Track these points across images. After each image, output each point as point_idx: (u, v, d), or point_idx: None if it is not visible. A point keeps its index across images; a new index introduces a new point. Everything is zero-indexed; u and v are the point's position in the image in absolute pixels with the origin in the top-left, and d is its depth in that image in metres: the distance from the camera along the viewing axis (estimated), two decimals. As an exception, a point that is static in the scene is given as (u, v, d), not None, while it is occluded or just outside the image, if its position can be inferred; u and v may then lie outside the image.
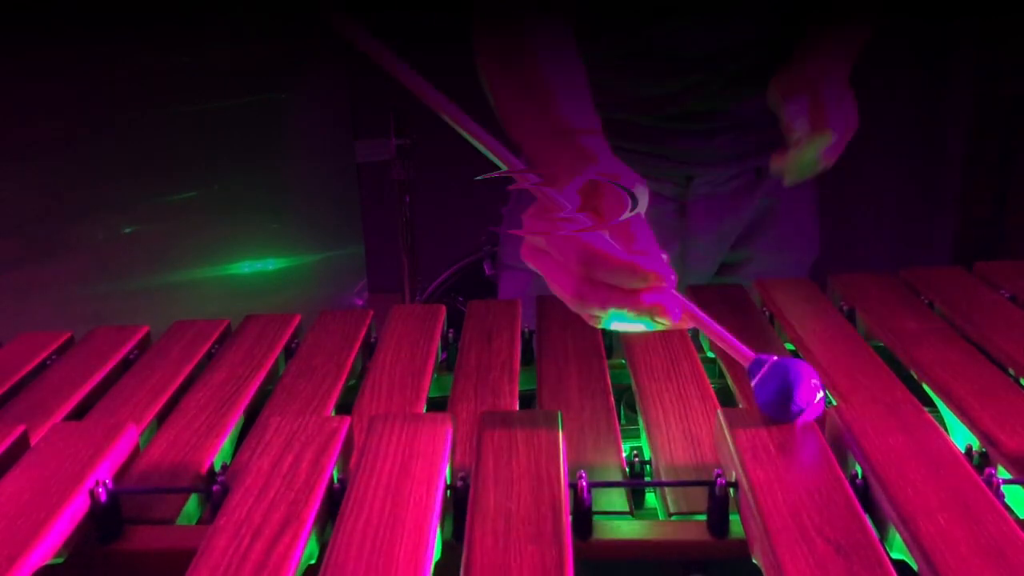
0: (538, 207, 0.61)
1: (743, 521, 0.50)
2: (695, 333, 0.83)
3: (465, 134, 0.60)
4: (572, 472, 0.52)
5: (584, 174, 0.62)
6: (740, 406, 0.68)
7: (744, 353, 0.58)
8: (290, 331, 0.84)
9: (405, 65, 0.60)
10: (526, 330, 0.83)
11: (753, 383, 0.57)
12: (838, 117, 0.90)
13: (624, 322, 0.58)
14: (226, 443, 0.64)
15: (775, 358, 0.57)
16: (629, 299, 0.56)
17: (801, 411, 0.55)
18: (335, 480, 0.53)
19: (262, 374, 0.75)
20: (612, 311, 0.57)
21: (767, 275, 0.96)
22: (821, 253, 1.25)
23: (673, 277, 0.57)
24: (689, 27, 1.01)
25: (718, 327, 0.59)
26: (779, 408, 0.55)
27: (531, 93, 0.79)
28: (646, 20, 1.02)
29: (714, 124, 1.08)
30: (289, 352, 0.82)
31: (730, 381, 0.73)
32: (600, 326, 0.60)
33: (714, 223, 1.15)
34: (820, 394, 0.56)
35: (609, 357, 0.79)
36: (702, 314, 0.59)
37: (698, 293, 0.90)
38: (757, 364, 0.57)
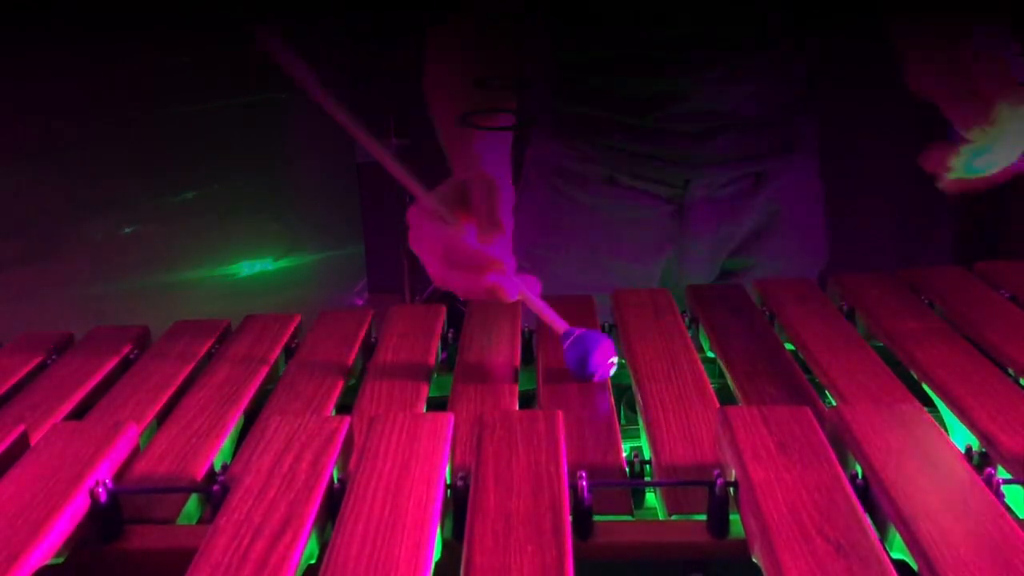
0: (419, 206, 0.75)
1: (743, 521, 0.50)
2: (695, 334, 0.84)
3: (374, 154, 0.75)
4: (572, 472, 0.52)
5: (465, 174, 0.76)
6: (740, 405, 0.68)
7: (559, 325, 0.73)
8: (290, 331, 0.84)
9: (315, 79, 0.73)
10: (526, 330, 0.83)
11: (564, 347, 0.72)
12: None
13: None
14: (226, 443, 0.64)
15: (578, 331, 0.71)
16: (478, 281, 0.70)
17: (593, 375, 0.70)
18: (335, 480, 0.53)
19: (262, 374, 0.75)
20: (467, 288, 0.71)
21: None
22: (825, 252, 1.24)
23: (512, 263, 0.71)
24: (687, 29, 1.01)
25: (540, 303, 0.74)
26: (578, 370, 0.71)
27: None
28: (643, 21, 1.02)
29: (712, 125, 1.07)
30: (289, 352, 0.82)
31: (730, 381, 0.73)
32: (463, 299, 0.75)
33: (712, 227, 1.14)
34: (613, 359, 0.71)
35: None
36: (530, 293, 0.73)
37: (697, 292, 0.90)
38: (566, 335, 0.72)
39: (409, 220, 0.75)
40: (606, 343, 0.71)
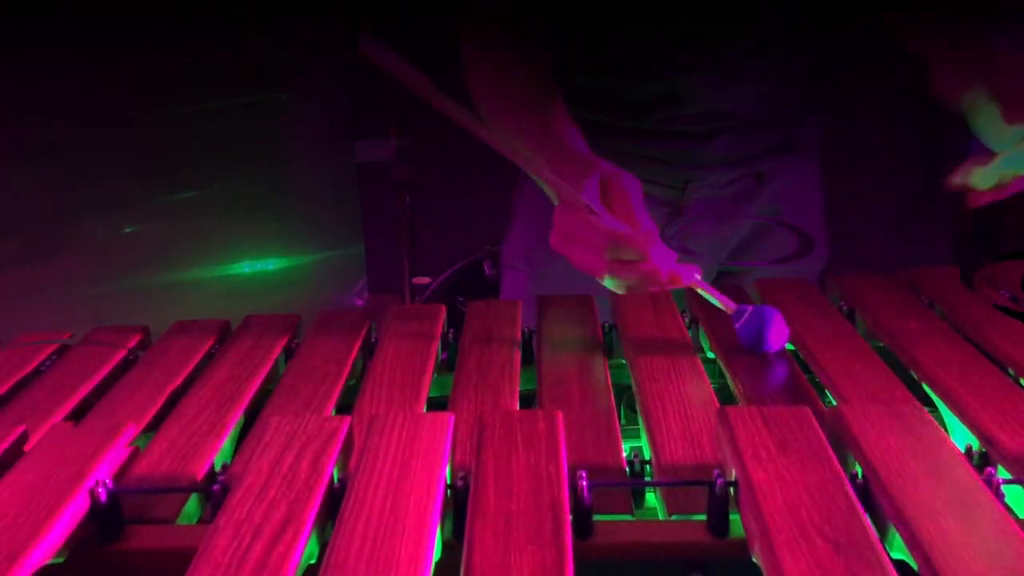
0: (564, 205, 0.75)
1: (743, 521, 0.50)
2: (695, 334, 0.84)
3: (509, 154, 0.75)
4: (572, 472, 0.52)
5: (592, 177, 0.75)
6: (740, 405, 0.68)
7: (728, 304, 0.76)
8: (290, 331, 0.84)
9: (428, 83, 0.71)
10: (526, 330, 0.83)
11: (737, 326, 0.75)
12: None
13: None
14: (226, 443, 0.64)
15: (749, 308, 0.75)
16: (648, 270, 0.71)
17: (769, 349, 0.75)
18: (335, 480, 0.53)
19: (262, 374, 0.75)
20: (637, 280, 0.72)
21: None
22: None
23: (664, 249, 0.72)
24: (688, 30, 1.01)
25: (705, 285, 0.76)
26: (754, 345, 0.75)
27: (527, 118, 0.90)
28: (642, 23, 1.02)
29: (712, 126, 1.07)
30: (289, 352, 0.82)
31: (730, 381, 0.73)
32: (621, 291, 0.74)
33: (710, 228, 1.14)
34: (785, 331, 0.75)
35: (609, 357, 0.79)
36: (689, 278, 0.75)
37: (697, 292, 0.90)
38: (738, 313, 0.76)
39: (556, 221, 0.75)
40: (778, 317, 0.75)
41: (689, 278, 0.74)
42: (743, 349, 0.75)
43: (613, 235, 0.72)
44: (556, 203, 0.79)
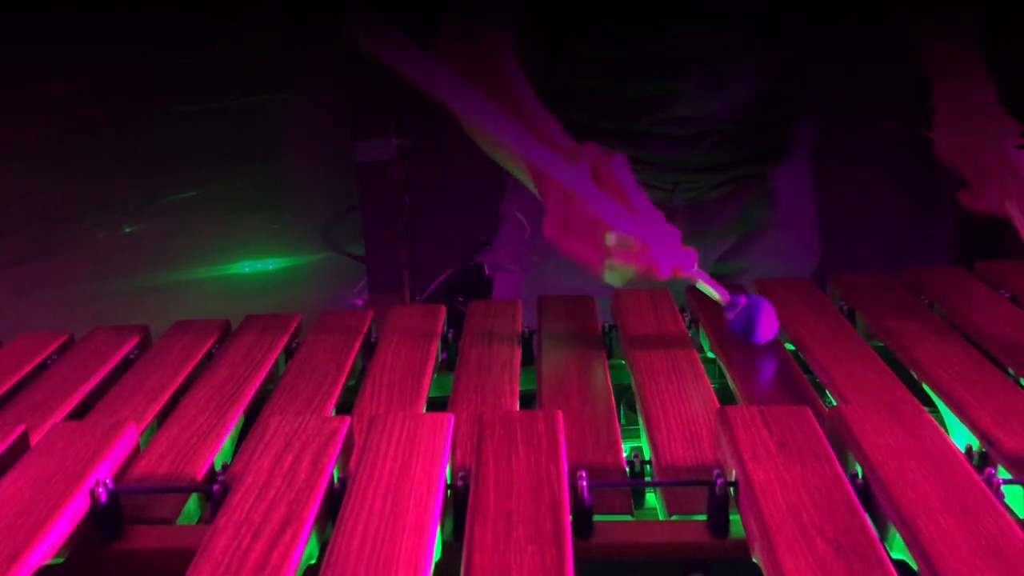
0: (558, 196, 0.73)
1: (743, 521, 0.50)
2: (695, 334, 0.84)
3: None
4: (572, 472, 0.52)
5: (580, 164, 0.72)
6: (740, 405, 0.68)
7: (723, 295, 0.77)
8: (290, 331, 0.84)
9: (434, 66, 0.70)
10: (526, 330, 0.83)
11: (729, 318, 0.76)
12: None
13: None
14: (226, 443, 0.64)
15: (743, 300, 0.76)
16: (647, 260, 0.70)
17: (759, 341, 0.75)
18: (335, 480, 0.53)
19: (262, 374, 0.75)
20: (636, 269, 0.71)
21: None
22: (821, 254, 1.24)
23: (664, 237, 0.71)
24: (678, 32, 1.01)
25: (702, 274, 0.76)
26: (744, 337, 0.76)
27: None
28: (637, 25, 1.01)
29: (701, 129, 1.07)
30: (289, 352, 0.82)
31: (730, 381, 0.73)
32: (620, 284, 0.72)
33: (700, 230, 1.13)
34: (775, 323, 0.76)
35: (609, 357, 0.79)
36: (687, 267, 0.74)
37: (697, 292, 0.90)
38: (732, 305, 0.76)
39: (550, 209, 0.74)
40: (768, 308, 0.76)
41: (689, 267, 0.73)
42: (736, 340, 0.76)
43: (611, 225, 0.70)
44: (536, 194, 0.77)
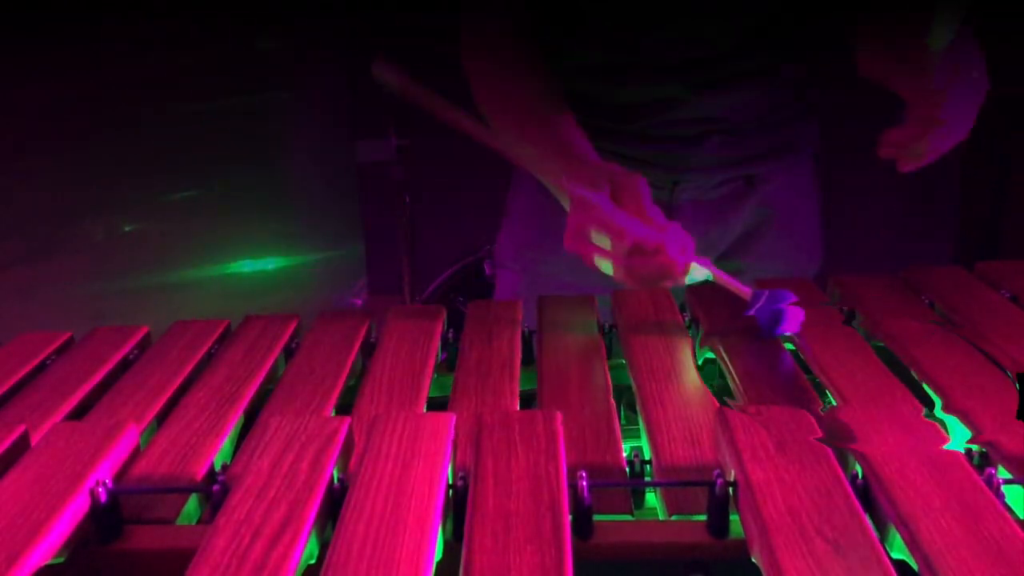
0: (577, 205, 0.78)
1: (742, 521, 0.50)
2: (695, 334, 0.84)
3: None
4: (572, 472, 0.52)
5: (603, 180, 0.79)
6: (740, 405, 0.68)
7: (744, 291, 0.79)
8: (290, 331, 0.84)
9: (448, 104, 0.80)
10: (526, 330, 0.83)
11: (754, 310, 0.77)
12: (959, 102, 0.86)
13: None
14: (226, 443, 0.64)
15: (764, 294, 0.77)
16: (655, 262, 0.75)
17: (784, 332, 0.76)
18: (335, 480, 0.53)
19: (262, 374, 0.75)
20: (654, 274, 0.75)
21: None
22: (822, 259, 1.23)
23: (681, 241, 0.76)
24: (678, 34, 1.01)
25: (720, 272, 0.79)
26: (771, 328, 0.76)
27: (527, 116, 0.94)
28: (636, 27, 1.01)
29: (702, 130, 1.07)
30: (289, 352, 0.82)
31: (730, 381, 0.73)
32: (643, 286, 0.79)
33: (700, 230, 1.13)
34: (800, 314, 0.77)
35: (609, 357, 0.79)
36: (705, 266, 0.78)
37: (697, 291, 0.90)
38: (755, 298, 0.78)
39: (570, 222, 0.78)
40: (791, 298, 0.77)
41: (705, 266, 0.77)
42: (759, 334, 0.77)
43: (628, 232, 0.75)
44: (567, 207, 0.79)
